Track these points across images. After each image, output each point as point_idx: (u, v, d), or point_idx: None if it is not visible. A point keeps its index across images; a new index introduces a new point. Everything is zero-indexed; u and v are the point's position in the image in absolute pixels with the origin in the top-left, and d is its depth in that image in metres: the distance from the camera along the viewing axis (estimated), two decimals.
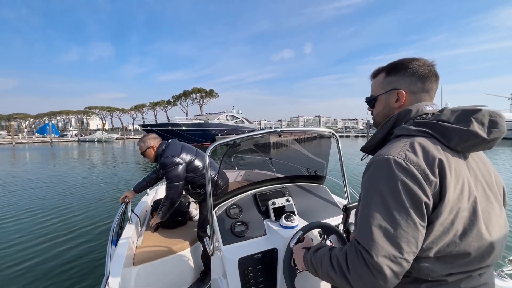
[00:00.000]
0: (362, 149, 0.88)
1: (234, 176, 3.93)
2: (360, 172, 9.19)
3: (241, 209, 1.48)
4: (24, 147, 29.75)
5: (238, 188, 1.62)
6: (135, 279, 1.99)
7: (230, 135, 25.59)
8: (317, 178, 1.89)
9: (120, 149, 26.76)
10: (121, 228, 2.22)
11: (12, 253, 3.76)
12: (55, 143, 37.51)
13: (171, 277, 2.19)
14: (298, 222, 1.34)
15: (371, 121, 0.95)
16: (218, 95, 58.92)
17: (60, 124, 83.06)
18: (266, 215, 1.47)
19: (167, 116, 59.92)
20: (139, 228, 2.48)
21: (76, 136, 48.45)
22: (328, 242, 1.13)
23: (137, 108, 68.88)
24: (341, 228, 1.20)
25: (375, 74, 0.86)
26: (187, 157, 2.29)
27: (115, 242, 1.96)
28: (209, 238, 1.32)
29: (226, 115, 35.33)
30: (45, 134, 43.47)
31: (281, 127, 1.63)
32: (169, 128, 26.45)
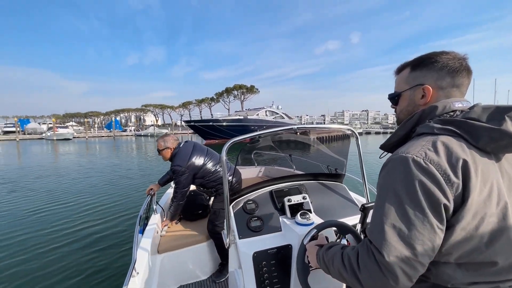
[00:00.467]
0: (382, 147, 0.84)
1: (254, 172, 3.92)
2: None
3: (257, 205, 1.51)
4: (94, 140, 35.03)
5: (254, 184, 1.64)
6: (159, 266, 2.10)
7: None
8: (336, 176, 1.87)
9: None
10: (147, 218, 2.35)
11: (53, 234, 4.27)
12: (117, 137, 43.22)
13: (192, 267, 2.31)
14: (314, 220, 1.34)
15: None
16: (259, 91, 59.19)
17: (123, 121, 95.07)
18: (282, 211, 1.49)
19: (210, 112, 63.06)
20: (163, 219, 2.60)
21: (134, 131, 54.73)
22: (344, 242, 1.08)
23: (184, 105, 74.06)
24: (358, 228, 1.16)
25: (399, 70, 0.82)
26: (197, 161, 2.32)
27: (142, 231, 2.07)
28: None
29: (266, 111, 35.22)
30: (111, 129, 50.25)
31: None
32: (210, 124, 27.58)
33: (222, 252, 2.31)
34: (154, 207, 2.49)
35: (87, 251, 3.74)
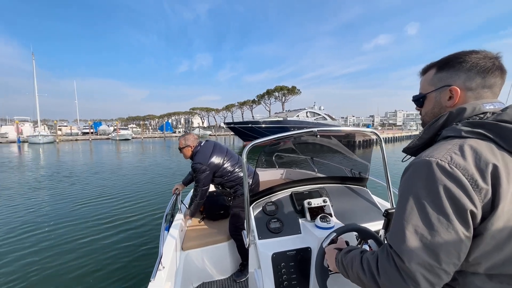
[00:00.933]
0: (405, 150, 0.81)
1: (275, 174, 3.84)
2: None
3: (277, 207, 1.53)
4: (148, 140, 39.12)
5: (274, 186, 1.65)
6: (183, 262, 2.16)
7: None
8: (359, 180, 1.85)
9: None
10: (172, 216, 2.43)
11: (85, 229, 4.68)
12: (168, 138, 47.35)
13: (214, 265, 2.35)
14: (334, 224, 1.33)
15: None
16: (300, 92, 57.75)
17: (174, 123, 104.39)
18: (301, 214, 1.50)
19: (252, 114, 64.11)
20: (188, 217, 2.71)
21: (183, 132, 59.35)
22: (366, 247, 1.05)
23: (227, 108, 77.09)
24: (381, 233, 1.13)
25: (425, 71, 0.79)
26: (216, 160, 2.35)
27: (167, 228, 2.13)
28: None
29: (306, 112, 34.04)
30: (163, 131, 55.52)
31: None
32: (249, 125, 27.89)
33: (243, 252, 2.34)
34: (179, 206, 2.59)
35: (119, 245, 4.02)
